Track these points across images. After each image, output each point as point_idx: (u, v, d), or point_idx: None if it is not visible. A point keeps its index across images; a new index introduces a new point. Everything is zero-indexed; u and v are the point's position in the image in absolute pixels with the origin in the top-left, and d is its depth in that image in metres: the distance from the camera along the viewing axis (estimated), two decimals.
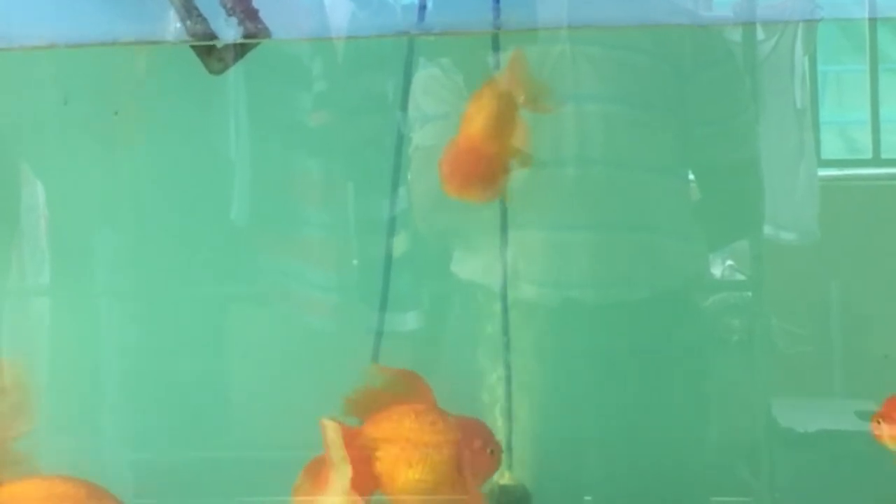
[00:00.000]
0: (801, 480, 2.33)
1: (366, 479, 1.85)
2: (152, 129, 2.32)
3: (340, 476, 1.83)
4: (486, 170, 2.01)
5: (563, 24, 2.18)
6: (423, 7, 2.12)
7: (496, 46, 2.15)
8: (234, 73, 2.13)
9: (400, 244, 2.31)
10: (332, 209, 2.40)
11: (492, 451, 1.88)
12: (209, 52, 2.00)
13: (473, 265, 2.32)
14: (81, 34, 2.09)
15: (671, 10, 2.27)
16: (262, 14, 1.96)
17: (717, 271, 2.43)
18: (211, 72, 2.02)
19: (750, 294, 2.43)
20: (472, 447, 1.86)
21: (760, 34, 2.37)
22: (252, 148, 2.38)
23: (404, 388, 1.90)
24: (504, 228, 2.22)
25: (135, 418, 2.35)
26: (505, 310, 2.23)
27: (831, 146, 2.59)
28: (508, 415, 2.21)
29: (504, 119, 2.02)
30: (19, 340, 2.37)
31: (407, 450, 1.86)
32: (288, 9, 2.14)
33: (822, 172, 2.47)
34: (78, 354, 2.36)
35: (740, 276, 2.43)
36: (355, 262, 2.42)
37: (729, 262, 2.43)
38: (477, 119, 2.02)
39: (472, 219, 2.28)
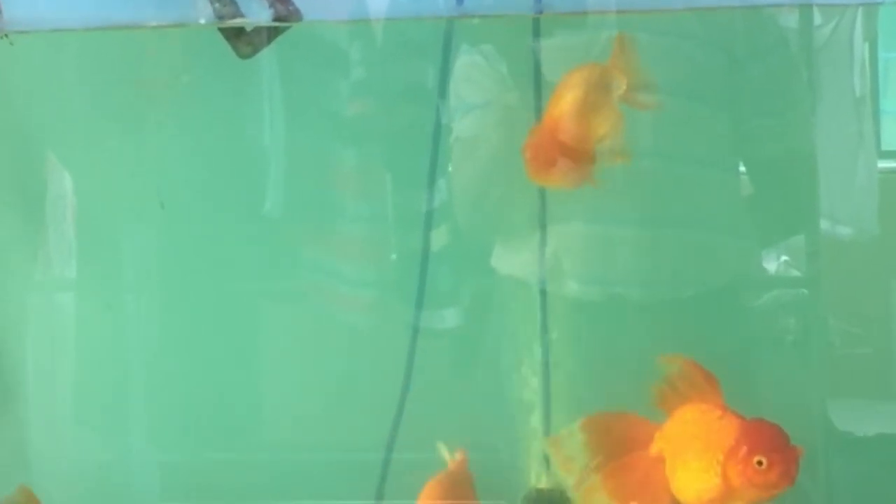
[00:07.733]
0: (859, 485, 2.27)
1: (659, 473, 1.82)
2: (183, 116, 2.28)
3: None
4: (569, 156, 1.93)
5: (611, 7, 2.12)
6: None
7: (536, 32, 2.11)
8: (267, 58, 2.11)
9: (439, 238, 2.26)
10: (369, 201, 2.34)
11: (759, 462, 1.70)
12: (238, 36, 1.99)
13: (515, 260, 2.25)
14: (108, 17, 2.06)
15: None
16: None
17: (771, 268, 2.36)
18: (240, 55, 2.01)
19: (806, 292, 2.37)
20: (737, 455, 1.71)
21: (817, 19, 2.30)
22: (286, 137, 2.33)
23: (695, 383, 1.82)
24: (543, 223, 2.17)
25: (163, 417, 2.31)
26: (544, 307, 2.18)
27: (891, 136, 2.52)
28: (548, 416, 2.16)
29: (593, 105, 1.94)
30: (45, 335, 2.34)
31: (675, 449, 1.80)
32: None
33: (882, 164, 2.38)
34: (105, 350, 2.33)
35: (795, 273, 2.36)
36: (394, 256, 2.37)
37: (784, 259, 2.37)
38: (563, 102, 1.94)
39: (514, 212, 2.22)
